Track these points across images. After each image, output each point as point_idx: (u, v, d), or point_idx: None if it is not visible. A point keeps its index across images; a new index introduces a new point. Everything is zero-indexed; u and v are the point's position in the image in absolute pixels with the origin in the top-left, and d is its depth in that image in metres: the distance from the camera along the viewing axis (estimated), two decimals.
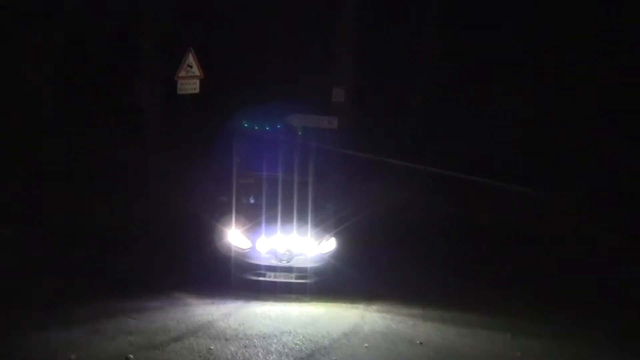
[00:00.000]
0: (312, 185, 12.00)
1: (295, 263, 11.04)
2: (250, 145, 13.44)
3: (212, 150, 14.42)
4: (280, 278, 10.99)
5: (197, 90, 15.35)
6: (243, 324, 9.70)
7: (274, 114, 16.73)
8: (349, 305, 10.99)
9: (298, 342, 9.16)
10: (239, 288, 11.04)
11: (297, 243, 11.09)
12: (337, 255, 11.55)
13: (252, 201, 11.98)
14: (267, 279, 10.98)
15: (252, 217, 11.32)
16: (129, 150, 17.58)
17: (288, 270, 11.03)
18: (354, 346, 9.25)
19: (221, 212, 11.68)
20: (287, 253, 11.01)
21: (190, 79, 15.28)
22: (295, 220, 11.20)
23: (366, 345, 9.34)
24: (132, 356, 8.44)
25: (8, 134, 16.72)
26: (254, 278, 10.99)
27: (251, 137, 13.74)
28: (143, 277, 11.48)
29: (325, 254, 11.31)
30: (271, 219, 11.19)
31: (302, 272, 11.06)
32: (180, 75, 15.26)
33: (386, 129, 19.73)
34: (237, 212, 11.43)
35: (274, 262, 10.99)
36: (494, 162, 17.18)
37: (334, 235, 11.47)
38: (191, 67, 15.23)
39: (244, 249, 11.16)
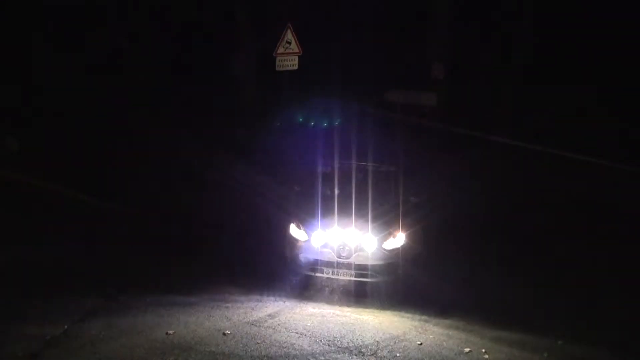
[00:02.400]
0: (395, 175, 11.00)
1: (356, 260, 10.07)
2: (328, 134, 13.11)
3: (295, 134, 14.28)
4: (338, 275, 10.15)
5: (296, 67, 15.32)
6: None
7: (371, 91, 16.58)
8: (412, 317, 9.49)
9: None
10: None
11: (358, 237, 10.12)
12: (408, 253, 10.29)
13: (328, 192, 10.91)
14: (324, 275, 10.21)
15: (321, 208, 10.42)
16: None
17: (347, 267, 10.09)
18: None
19: (293, 202, 11.06)
20: (346, 248, 10.09)
21: (288, 55, 15.24)
22: (365, 213, 10.24)
23: None
24: (228, 332, 8.46)
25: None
26: (310, 274, 10.28)
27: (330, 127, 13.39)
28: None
29: (391, 251, 10.20)
30: (338, 211, 10.31)
31: (362, 269, 10.06)
32: (278, 51, 15.25)
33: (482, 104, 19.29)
34: (305, 203, 10.73)
35: (332, 258, 10.12)
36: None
37: (406, 231, 10.26)
38: (289, 43, 15.19)
39: (301, 241, 10.42)
